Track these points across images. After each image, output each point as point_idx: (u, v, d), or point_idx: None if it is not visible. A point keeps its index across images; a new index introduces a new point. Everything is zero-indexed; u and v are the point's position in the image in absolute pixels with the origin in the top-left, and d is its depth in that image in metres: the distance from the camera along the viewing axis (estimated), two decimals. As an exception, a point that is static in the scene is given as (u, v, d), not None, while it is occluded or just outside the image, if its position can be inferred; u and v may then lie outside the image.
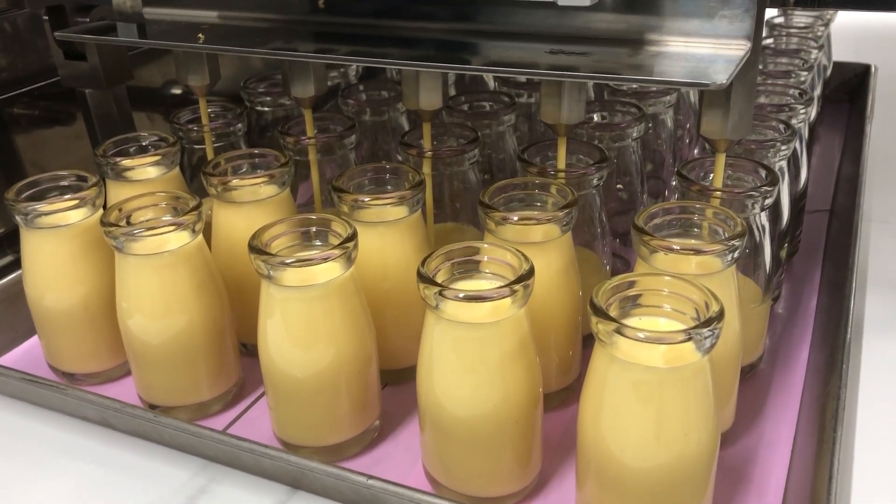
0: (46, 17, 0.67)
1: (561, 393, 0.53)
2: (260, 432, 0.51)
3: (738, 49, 0.44)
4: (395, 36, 0.53)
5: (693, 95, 0.79)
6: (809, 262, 0.69)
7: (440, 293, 0.40)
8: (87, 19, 0.65)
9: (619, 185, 0.64)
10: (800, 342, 0.59)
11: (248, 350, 0.58)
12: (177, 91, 0.93)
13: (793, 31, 0.84)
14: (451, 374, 0.42)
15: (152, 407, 0.53)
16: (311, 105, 0.59)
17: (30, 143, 0.76)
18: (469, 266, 0.44)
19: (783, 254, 0.61)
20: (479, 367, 0.41)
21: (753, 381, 0.54)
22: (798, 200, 0.66)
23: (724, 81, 0.38)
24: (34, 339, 0.61)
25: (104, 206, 0.55)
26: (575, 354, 0.52)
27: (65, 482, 0.48)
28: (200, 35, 0.52)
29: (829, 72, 0.94)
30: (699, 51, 0.44)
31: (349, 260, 0.45)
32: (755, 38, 0.44)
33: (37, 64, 0.75)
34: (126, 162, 0.57)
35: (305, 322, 0.46)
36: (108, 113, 0.71)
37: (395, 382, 0.55)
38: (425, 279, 0.41)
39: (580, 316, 0.52)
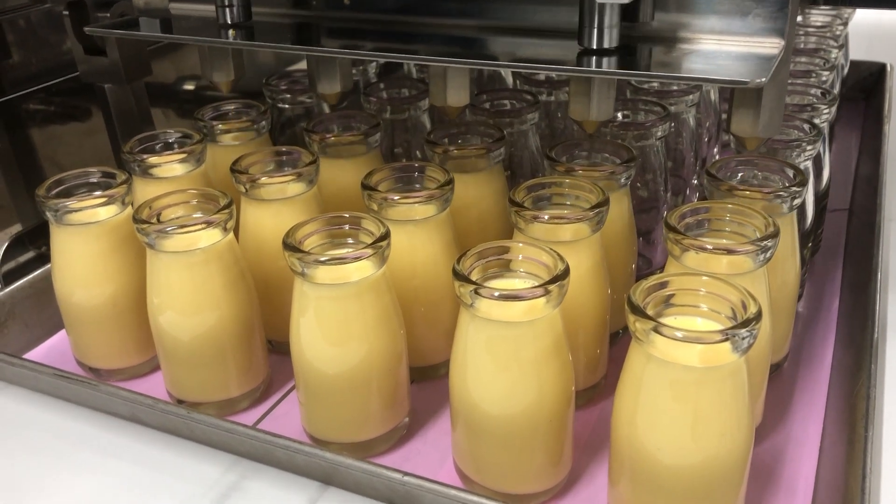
0: (67, 13, 0.67)
1: (588, 391, 0.53)
2: (288, 429, 0.52)
3: (772, 47, 0.44)
4: (422, 32, 0.53)
5: (714, 94, 0.79)
6: (830, 261, 0.70)
7: (475, 291, 0.40)
8: (108, 14, 0.66)
9: (638, 184, 0.64)
10: (823, 341, 0.59)
11: (275, 347, 0.58)
12: (190, 87, 0.94)
13: (811, 29, 0.84)
14: (485, 372, 0.42)
15: (181, 402, 0.53)
16: (337, 101, 0.60)
17: (46, 138, 0.76)
18: (503, 265, 0.44)
19: (806, 253, 0.61)
20: (514, 365, 0.42)
21: (779, 379, 0.54)
22: (820, 200, 0.66)
23: (765, 80, 0.38)
24: (61, 335, 0.61)
25: (132, 204, 0.55)
26: (602, 353, 0.53)
27: (95, 479, 0.48)
28: (233, 31, 0.52)
29: (846, 70, 0.94)
30: (733, 49, 0.45)
31: (382, 258, 0.45)
32: (788, 36, 0.44)
33: (53, 60, 0.75)
34: (153, 159, 0.57)
35: (338, 319, 0.46)
36: (127, 108, 0.71)
37: (422, 379, 0.56)
38: (461, 277, 0.41)
39: (608, 314, 0.52)
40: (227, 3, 0.55)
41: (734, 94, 0.47)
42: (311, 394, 0.48)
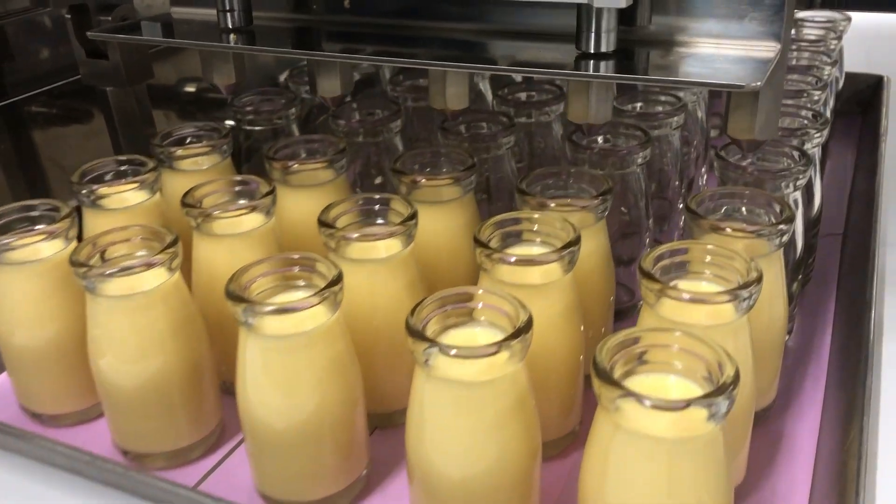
0: (69, 16, 0.67)
1: (562, 440, 0.49)
2: (243, 481, 0.48)
3: (768, 51, 0.44)
4: (421, 36, 0.53)
5: (700, 111, 0.76)
6: (822, 290, 0.66)
7: (431, 349, 0.37)
8: (110, 18, 0.65)
9: (623, 209, 0.61)
10: (814, 381, 0.55)
11: (230, 388, 0.55)
12: (191, 89, 0.91)
13: (804, 44, 0.81)
14: (442, 433, 0.39)
15: (126, 453, 0.50)
16: (338, 104, 0.60)
17: (48, 140, 0.75)
18: (464, 313, 0.41)
19: (796, 287, 0.58)
20: (474, 426, 0.38)
21: (765, 428, 0.51)
22: (812, 227, 0.63)
23: (761, 83, 0.38)
24: (4, 376, 0.58)
25: (79, 237, 0.52)
26: (576, 399, 0.49)
27: (32, 537, 0.45)
28: (234, 35, 0.53)
29: (840, 84, 0.91)
30: (730, 52, 0.45)
31: (335, 304, 0.42)
32: (784, 39, 0.44)
33: (55, 63, 0.74)
34: (103, 189, 0.54)
35: (287, 371, 0.42)
36: (128, 111, 0.71)
37: (384, 426, 0.52)
38: (414, 333, 0.38)
39: (582, 356, 0.49)
40: (228, 8, 0.55)
41: (731, 98, 0.46)
42: (259, 448, 0.45)
